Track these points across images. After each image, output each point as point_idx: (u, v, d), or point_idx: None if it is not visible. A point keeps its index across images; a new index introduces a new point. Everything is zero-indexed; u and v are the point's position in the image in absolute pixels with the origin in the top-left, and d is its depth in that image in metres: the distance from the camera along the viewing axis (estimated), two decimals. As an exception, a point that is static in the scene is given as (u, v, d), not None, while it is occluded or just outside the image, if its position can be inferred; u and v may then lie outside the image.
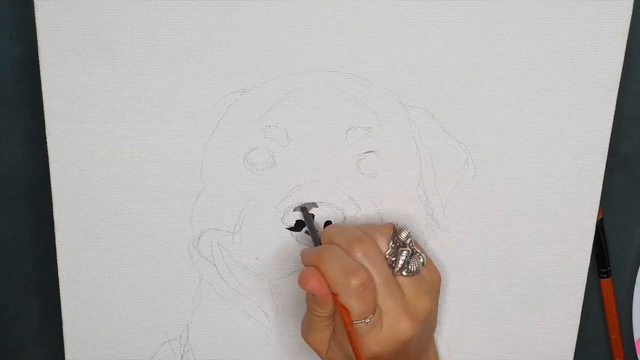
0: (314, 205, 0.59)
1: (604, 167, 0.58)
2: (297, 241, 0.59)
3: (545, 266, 0.61)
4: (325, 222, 0.59)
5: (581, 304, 0.62)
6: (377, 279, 0.52)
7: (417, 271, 0.54)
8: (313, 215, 0.59)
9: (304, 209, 0.59)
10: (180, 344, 0.63)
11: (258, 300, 0.62)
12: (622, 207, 0.65)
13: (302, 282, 0.52)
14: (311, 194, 0.58)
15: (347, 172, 0.58)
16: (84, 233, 0.60)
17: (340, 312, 0.51)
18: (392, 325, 0.52)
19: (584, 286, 0.62)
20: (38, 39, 0.55)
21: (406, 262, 0.53)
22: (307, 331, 0.55)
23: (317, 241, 0.56)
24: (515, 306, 0.62)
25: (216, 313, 0.62)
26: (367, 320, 0.51)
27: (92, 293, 0.62)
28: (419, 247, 0.55)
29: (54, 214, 0.59)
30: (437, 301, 0.56)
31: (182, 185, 0.59)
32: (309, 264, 0.53)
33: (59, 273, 0.61)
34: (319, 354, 0.56)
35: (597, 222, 0.61)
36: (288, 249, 0.60)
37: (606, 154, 0.58)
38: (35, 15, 0.55)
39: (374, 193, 0.59)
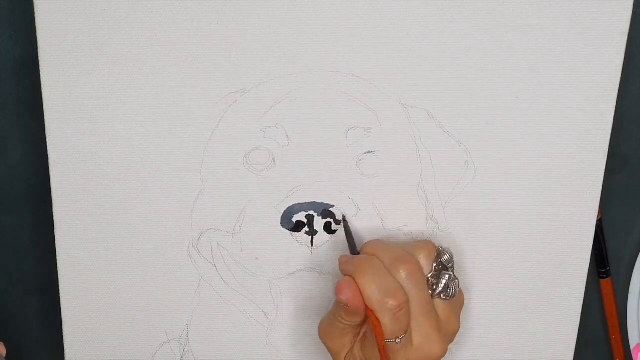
0: (328, 207, 0.59)
1: (604, 167, 0.58)
2: (297, 242, 0.59)
3: (545, 266, 0.61)
4: (343, 218, 0.59)
5: (581, 304, 0.62)
6: (416, 301, 0.52)
7: (454, 295, 0.54)
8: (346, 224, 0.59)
9: (344, 219, 0.58)
10: (180, 344, 0.63)
11: (258, 300, 0.62)
12: (622, 208, 0.65)
13: (337, 291, 0.52)
14: (311, 194, 0.58)
15: (347, 172, 0.58)
16: (84, 233, 0.60)
17: (373, 327, 0.52)
18: (424, 345, 0.52)
19: (584, 286, 0.62)
20: (38, 39, 0.55)
21: (446, 286, 0.54)
22: (327, 334, 0.55)
23: (354, 250, 0.56)
24: (515, 306, 0.62)
25: (216, 313, 0.62)
26: (398, 340, 0.51)
27: (92, 293, 0.62)
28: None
29: (54, 214, 0.59)
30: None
31: (182, 186, 0.59)
32: (347, 274, 0.53)
33: (59, 273, 0.61)
34: (335, 356, 0.56)
35: (597, 222, 0.61)
36: (288, 249, 0.59)
37: (606, 154, 0.58)
38: (35, 15, 0.55)
39: (373, 194, 0.59)
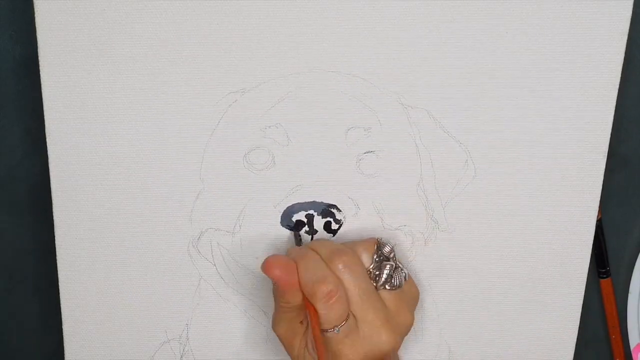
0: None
1: (604, 167, 0.58)
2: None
3: (545, 266, 0.61)
4: (295, 234, 0.59)
5: (581, 304, 0.62)
6: (356, 291, 0.53)
7: (400, 285, 0.55)
8: (299, 236, 0.59)
9: (295, 229, 0.59)
10: (180, 343, 0.63)
11: (257, 299, 0.62)
12: (622, 208, 0.65)
13: (265, 267, 0.53)
14: (311, 194, 0.58)
15: (347, 172, 0.58)
16: (84, 233, 0.60)
17: (308, 314, 0.53)
18: (372, 335, 0.53)
19: (584, 286, 0.62)
20: (38, 39, 0.55)
21: (389, 276, 0.54)
22: (275, 322, 0.56)
23: None
24: (515, 306, 0.62)
25: (216, 313, 0.62)
26: (337, 329, 0.52)
27: (92, 293, 0.62)
28: (401, 262, 0.56)
29: (54, 214, 0.59)
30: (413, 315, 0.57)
31: (182, 185, 0.59)
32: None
33: (59, 273, 0.61)
34: (286, 346, 0.56)
35: (597, 222, 0.61)
36: (288, 248, 0.59)
37: (606, 154, 0.58)
38: (35, 15, 0.55)
39: (373, 193, 0.59)
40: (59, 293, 0.61)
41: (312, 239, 0.59)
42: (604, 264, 0.66)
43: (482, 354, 0.64)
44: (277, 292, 0.54)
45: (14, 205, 0.64)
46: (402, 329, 0.55)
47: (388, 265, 0.54)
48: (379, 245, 0.55)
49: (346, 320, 0.52)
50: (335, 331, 0.52)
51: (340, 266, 0.53)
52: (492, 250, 0.61)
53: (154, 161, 0.58)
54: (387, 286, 0.54)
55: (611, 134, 0.58)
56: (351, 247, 0.55)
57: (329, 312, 0.52)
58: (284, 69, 0.56)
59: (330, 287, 0.52)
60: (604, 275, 0.66)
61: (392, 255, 0.55)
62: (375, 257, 0.55)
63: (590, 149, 0.58)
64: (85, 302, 0.62)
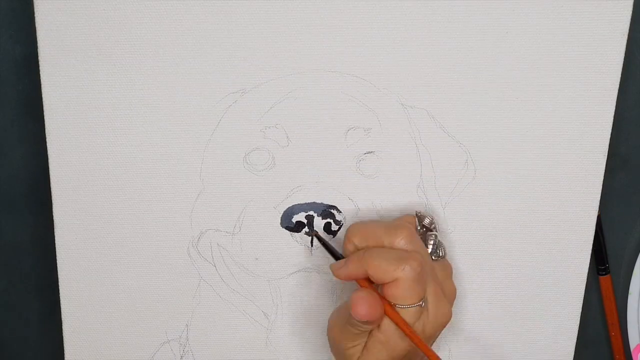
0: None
1: (604, 167, 0.58)
2: (297, 242, 0.59)
3: (545, 266, 0.61)
4: (316, 234, 0.58)
5: (581, 304, 0.62)
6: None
7: (444, 255, 0.55)
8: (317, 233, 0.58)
9: (315, 233, 0.58)
10: (180, 344, 0.63)
11: (257, 300, 0.62)
12: (622, 207, 0.65)
13: (353, 308, 0.49)
14: (311, 195, 0.58)
15: (347, 172, 0.58)
16: (84, 233, 0.60)
17: (400, 327, 0.50)
18: (436, 308, 0.52)
19: (584, 286, 0.62)
20: (38, 39, 0.55)
21: (435, 246, 0.54)
22: (340, 337, 0.53)
23: (339, 256, 0.55)
24: (515, 307, 0.62)
25: (216, 314, 0.62)
26: (422, 303, 0.50)
27: (92, 293, 0.62)
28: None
29: (54, 214, 0.59)
30: None
31: (182, 186, 0.58)
32: (351, 275, 0.52)
33: (59, 273, 0.61)
34: (343, 352, 0.53)
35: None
36: (288, 249, 0.59)
37: (606, 154, 0.58)
38: (35, 15, 0.55)
39: (373, 194, 0.59)
40: (59, 293, 0.61)
41: (312, 240, 0.59)
42: (603, 260, 0.65)
43: (482, 354, 0.64)
44: (362, 323, 0.50)
45: (14, 205, 0.64)
46: (452, 298, 0.55)
47: (433, 236, 0.54)
48: (419, 217, 0.55)
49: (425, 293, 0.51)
50: (422, 304, 0.50)
51: (402, 242, 0.51)
52: (492, 250, 0.61)
53: (154, 161, 0.58)
54: (433, 257, 0.54)
55: (611, 134, 0.58)
56: (397, 223, 0.53)
57: (418, 286, 0.49)
58: (284, 70, 0.56)
59: (419, 259, 0.50)
60: (603, 272, 0.66)
61: (433, 226, 0.55)
62: (418, 229, 0.55)
63: (590, 149, 0.58)
64: (85, 302, 0.62)
